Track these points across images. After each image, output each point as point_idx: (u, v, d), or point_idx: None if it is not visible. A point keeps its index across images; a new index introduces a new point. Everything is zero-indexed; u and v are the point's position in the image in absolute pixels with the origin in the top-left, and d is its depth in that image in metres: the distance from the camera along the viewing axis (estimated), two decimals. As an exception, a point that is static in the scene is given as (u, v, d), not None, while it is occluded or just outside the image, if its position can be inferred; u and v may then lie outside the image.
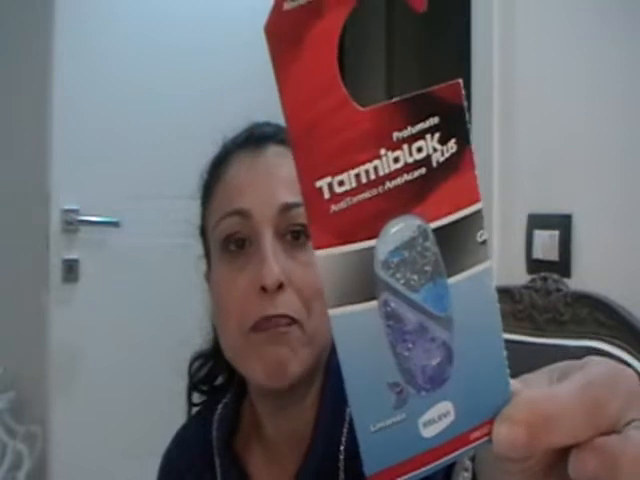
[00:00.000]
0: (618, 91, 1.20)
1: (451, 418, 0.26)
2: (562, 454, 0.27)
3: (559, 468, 0.28)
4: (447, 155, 0.24)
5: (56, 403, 1.69)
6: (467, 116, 0.24)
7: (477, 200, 0.25)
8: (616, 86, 1.20)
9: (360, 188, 0.24)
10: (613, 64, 1.21)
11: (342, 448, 0.64)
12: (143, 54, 1.80)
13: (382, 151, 0.24)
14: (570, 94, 1.30)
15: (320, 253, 0.24)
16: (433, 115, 0.24)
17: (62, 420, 1.69)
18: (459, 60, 1.70)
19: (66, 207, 1.71)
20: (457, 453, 0.26)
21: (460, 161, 0.24)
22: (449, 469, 0.38)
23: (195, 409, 0.80)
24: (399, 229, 0.24)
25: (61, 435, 1.68)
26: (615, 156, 1.20)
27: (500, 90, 1.47)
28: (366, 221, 0.24)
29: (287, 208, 0.62)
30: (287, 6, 0.22)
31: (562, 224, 1.26)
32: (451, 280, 0.25)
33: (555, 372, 0.28)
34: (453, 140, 0.24)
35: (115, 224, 1.75)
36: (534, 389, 0.27)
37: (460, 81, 0.24)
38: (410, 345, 0.25)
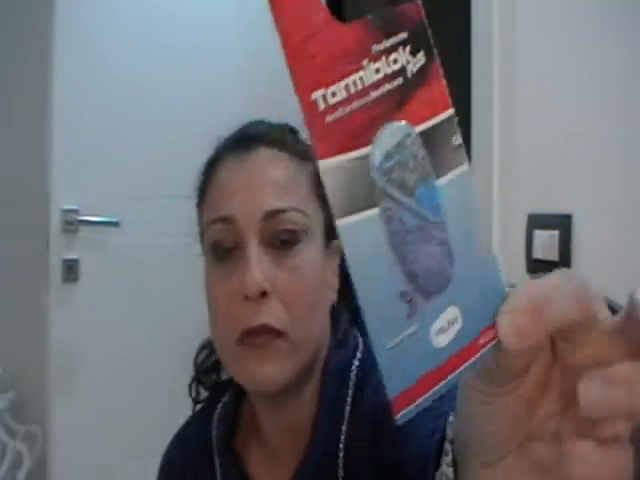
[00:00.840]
0: (618, 91, 1.20)
1: (459, 325, 0.27)
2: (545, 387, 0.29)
3: (542, 404, 0.29)
4: (418, 66, 0.26)
5: (56, 403, 1.70)
6: (429, 30, 0.26)
7: (448, 106, 0.27)
8: (616, 86, 1.20)
9: (350, 98, 0.25)
10: (613, 64, 1.21)
11: (341, 445, 0.64)
12: (143, 54, 1.80)
13: (365, 62, 0.25)
14: (570, 94, 1.30)
15: (323, 163, 0.25)
16: (402, 30, 0.26)
17: (62, 420, 1.69)
18: (459, 60, 1.70)
19: (66, 207, 1.71)
20: (469, 362, 0.27)
21: (429, 71, 0.26)
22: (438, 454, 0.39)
23: (198, 405, 0.80)
24: (389, 134, 0.26)
25: (61, 435, 1.68)
26: (615, 156, 1.20)
27: (500, 90, 1.47)
28: (359, 129, 0.25)
29: (272, 214, 0.62)
30: None
31: (562, 224, 1.26)
32: (438, 182, 0.27)
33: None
34: (421, 52, 0.26)
35: (115, 224, 1.75)
36: (523, 284, 0.27)
37: (419, 1, 0.27)
38: (412, 246, 0.26)
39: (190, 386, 0.80)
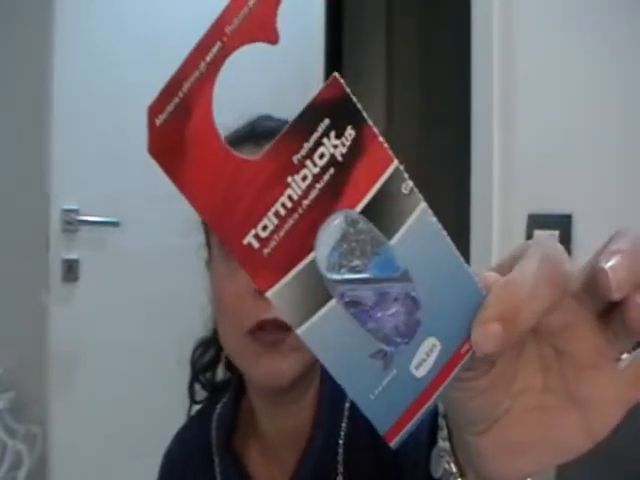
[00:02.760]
0: (618, 91, 1.20)
1: (438, 348, 0.28)
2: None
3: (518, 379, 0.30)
4: (348, 143, 0.26)
5: (56, 403, 1.69)
6: (353, 99, 0.26)
7: (391, 161, 0.26)
8: (616, 86, 1.20)
9: (282, 220, 0.25)
10: (613, 64, 1.21)
11: (341, 442, 0.64)
12: (143, 53, 1.80)
13: (289, 179, 0.25)
14: (570, 94, 1.30)
15: (269, 293, 0.26)
16: (323, 119, 0.25)
17: (62, 420, 1.69)
18: (459, 60, 1.70)
19: (66, 207, 1.71)
20: (454, 372, 0.28)
21: (362, 140, 0.26)
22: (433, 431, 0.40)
23: (196, 406, 0.80)
24: (328, 231, 0.26)
25: (61, 435, 1.68)
26: (615, 156, 1.20)
27: (500, 90, 1.47)
28: (299, 243, 0.26)
29: None
30: (159, 121, 0.24)
31: (562, 224, 1.26)
32: (393, 241, 0.27)
33: (508, 261, 0.29)
34: (349, 127, 0.26)
35: (115, 224, 1.75)
36: (495, 281, 0.28)
37: (336, 74, 0.26)
38: (378, 316, 0.27)
39: (191, 387, 0.80)
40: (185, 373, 0.81)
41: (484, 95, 1.51)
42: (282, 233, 0.26)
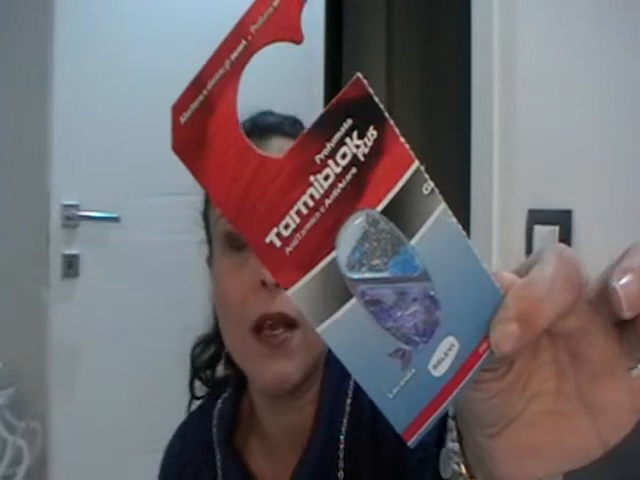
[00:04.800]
0: (618, 87, 1.20)
1: (456, 347, 0.28)
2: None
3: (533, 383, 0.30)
4: (370, 144, 0.26)
5: (56, 399, 1.69)
6: (376, 99, 0.26)
7: (412, 162, 0.27)
8: (616, 83, 1.21)
9: (304, 220, 0.26)
10: (613, 62, 1.21)
11: (342, 439, 0.64)
12: (143, 50, 1.80)
13: (311, 178, 0.26)
14: (570, 90, 1.30)
15: (291, 291, 0.26)
16: (346, 119, 0.26)
17: (62, 416, 1.68)
18: (459, 59, 1.70)
19: (66, 202, 1.71)
20: (472, 371, 0.28)
21: (384, 140, 0.26)
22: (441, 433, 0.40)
23: (197, 402, 0.80)
24: (350, 231, 0.26)
25: (61, 431, 1.68)
26: (615, 152, 1.20)
27: (500, 87, 1.47)
28: (321, 242, 0.26)
29: None
30: (183, 119, 0.24)
31: (562, 219, 1.27)
32: (413, 241, 0.27)
33: (525, 265, 0.30)
34: (371, 127, 0.26)
35: (115, 219, 1.75)
36: (512, 282, 0.28)
37: (359, 74, 0.26)
38: (397, 315, 0.27)
39: (191, 383, 0.80)
40: (186, 369, 0.81)
41: (484, 91, 1.51)
42: (304, 232, 0.26)
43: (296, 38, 0.25)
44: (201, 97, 0.24)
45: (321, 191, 0.26)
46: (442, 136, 2.03)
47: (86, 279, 1.74)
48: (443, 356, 0.28)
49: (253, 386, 0.70)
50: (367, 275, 0.27)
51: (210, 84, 0.24)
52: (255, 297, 0.61)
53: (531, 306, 0.26)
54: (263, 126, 0.68)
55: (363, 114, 0.26)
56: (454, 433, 0.36)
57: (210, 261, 0.71)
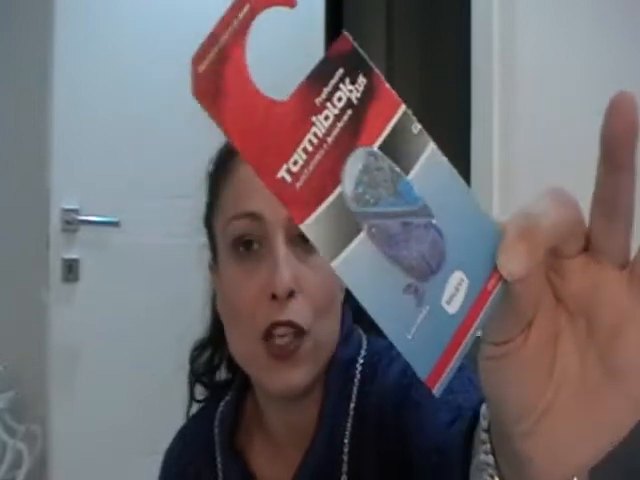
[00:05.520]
0: (618, 86, 1.20)
1: (466, 283, 0.29)
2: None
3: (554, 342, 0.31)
4: (361, 89, 0.29)
5: (56, 402, 1.69)
6: (361, 51, 0.29)
7: (399, 104, 0.30)
8: (616, 81, 1.20)
9: (310, 156, 0.28)
10: (613, 60, 1.21)
11: (346, 441, 0.64)
12: (144, 52, 1.80)
13: (313, 118, 0.28)
14: (570, 93, 1.30)
15: (303, 225, 0.28)
16: (337, 68, 0.29)
17: (62, 419, 1.69)
18: (459, 59, 1.70)
19: (66, 206, 1.71)
20: (485, 308, 0.29)
21: (373, 86, 0.29)
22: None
23: (197, 405, 0.80)
24: (351, 165, 0.29)
25: (61, 434, 1.68)
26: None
27: (500, 86, 1.47)
28: (327, 177, 0.28)
29: None
30: (201, 68, 0.27)
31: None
32: (410, 175, 0.29)
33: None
34: (361, 75, 0.29)
35: (115, 224, 1.75)
36: (514, 216, 0.29)
37: (344, 32, 0.29)
38: (403, 244, 0.29)
39: (191, 386, 0.80)
40: (185, 372, 0.80)
41: (484, 91, 1.51)
42: (311, 167, 0.28)
43: (290, 3, 0.28)
44: (215, 49, 0.27)
45: (323, 130, 0.28)
46: (442, 136, 2.03)
47: (86, 283, 1.74)
48: (454, 291, 0.29)
49: (260, 389, 0.70)
50: (372, 209, 0.29)
51: (222, 39, 0.28)
52: (266, 306, 0.61)
53: (531, 223, 0.28)
54: None
55: (352, 63, 0.29)
56: (488, 445, 0.35)
57: (213, 267, 0.71)
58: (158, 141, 1.79)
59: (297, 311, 0.61)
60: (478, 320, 0.29)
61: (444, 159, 0.30)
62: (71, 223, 1.71)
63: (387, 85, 0.29)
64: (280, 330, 0.61)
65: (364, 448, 0.63)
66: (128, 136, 1.78)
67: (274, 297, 0.60)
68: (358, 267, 0.28)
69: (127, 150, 1.78)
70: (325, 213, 0.28)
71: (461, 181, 0.30)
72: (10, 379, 1.76)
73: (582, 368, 0.31)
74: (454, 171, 0.30)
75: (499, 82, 1.46)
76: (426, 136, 0.30)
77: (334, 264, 0.28)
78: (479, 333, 0.30)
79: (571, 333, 0.31)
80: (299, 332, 0.61)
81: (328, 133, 0.28)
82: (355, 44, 0.29)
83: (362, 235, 0.28)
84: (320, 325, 0.62)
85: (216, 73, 0.27)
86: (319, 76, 0.29)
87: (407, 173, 0.29)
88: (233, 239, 0.64)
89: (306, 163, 0.28)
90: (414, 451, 0.57)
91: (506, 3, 1.46)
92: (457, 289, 0.29)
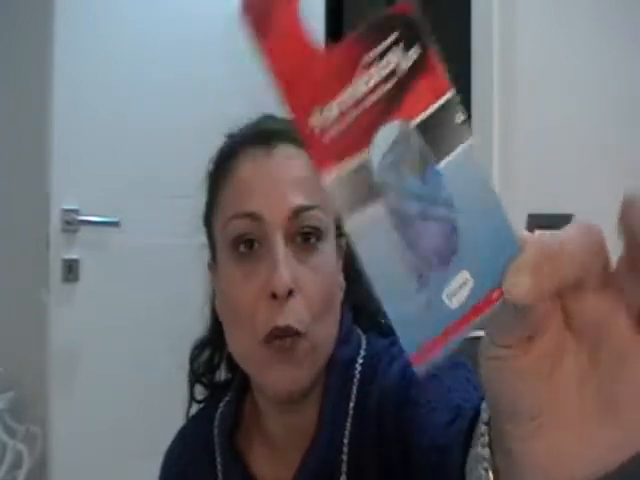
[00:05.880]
0: (619, 91, 1.20)
1: (470, 284, 0.28)
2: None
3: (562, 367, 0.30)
4: (412, 60, 0.27)
5: (56, 403, 1.69)
6: (419, 18, 0.28)
7: (449, 87, 0.28)
8: (616, 82, 1.20)
9: (344, 114, 0.27)
10: (613, 60, 1.21)
11: (345, 441, 0.64)
12: (144, 53, 1.80)
13: (355, 76, 0.27)
14: (571, 94, 1.30)
15: (327, 179, 0.28)
16: (392, 31, 0.27)
17: (62, 420, 1.68)
18: (459, 59, 1.70)
19: (66, 207, 1.70)
20: (484, 314, 0.29)
21: (426, 61, 0.28)
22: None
23: (197, 405, 0.80)
24: (384, 135, 0.28)
25: (61, 435, 1.68)
26: (616, 155, 1.20)
27: (500, 86, 1.47)
28: (356, 139, 0.28)
29: (298, 211, 0.62)
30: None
31: (562, 223, 1.26)
32: (441, 164, 0.28)
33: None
34: (415, 46, 0.27)
35: (115, 224, 1.74)
36: (537, 237, 0.28)
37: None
38: (419, 230, 0.28)
39: (191, 386, 0.80)
40: (185, 373, 0.80)
41: (484, 91, 1.51)
42: (342, 125, 0.27)
43: None
44: None
45: (363, 90, 0.27)
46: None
47: (86, 283, 1.74)
48: (458, 288, 0.28)
49: (259, 390, 0.70)
50: (396, 182, 0.28)
51: None
52: (265, 308, 0.61)
53: (548, 258, 0.26)
54: (269, 132, 0.67)
55: (409, 31, 0.27)
56: (486, 438, 0.35)
57: (212, 266, 0.71)
58: (158, 141, 1.79)
59: (296, 312, 0.61)
60: (473, 322, 0.29)
61: (479, 159, 0.28)
62: (71, 223, 1.71)
63: (440, 67, 0.28)
64: (280, 334, 0.61)
65: (364, 448, 0.63)
66: (128, 136, 1.78)
67: (273, 296, 0.60)
68: (370, 237, 0.28)
69: (127, 150, 1.78)
70: (348, 172, 0.27)
71: (492, 187, 0.29)
72: (10, 379, 1.76)
73: (580, 394, 0.30)
74: (487, 175, 0.29)
75: (499, 82, 1.46)
76: (468, 129, 0.28)
77: (349, 222, 0.27)
78: (479, 333, 0.30)
79: (575, 358, 0.30)
80: (297, 335, 0.61)
81: (368, 95, 0.27)
82: (416, 10, 0.28)
83: (380, 204, 0.28)
84: (318, 326, 0.63)
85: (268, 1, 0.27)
86: (371, 34, 0.27)
87: (439, 160, 0.28)
88: (232, 239, 0.64)
89: (338, 119, 0.27)
90: (414, 450, 0.57)
91: (506, 3, 1.46)
92: (461, 287, 0.28)
